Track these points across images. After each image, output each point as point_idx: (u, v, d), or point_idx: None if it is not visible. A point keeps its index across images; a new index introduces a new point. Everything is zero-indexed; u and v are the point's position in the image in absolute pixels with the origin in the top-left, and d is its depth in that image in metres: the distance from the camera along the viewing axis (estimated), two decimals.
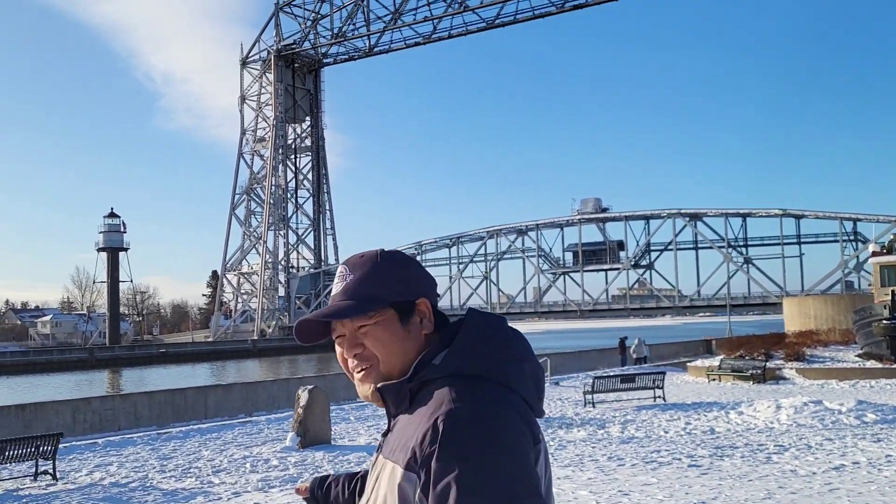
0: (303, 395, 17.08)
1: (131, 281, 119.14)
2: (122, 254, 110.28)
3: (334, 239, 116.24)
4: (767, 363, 27.15)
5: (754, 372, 26.77)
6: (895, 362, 25.47)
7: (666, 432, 17.52)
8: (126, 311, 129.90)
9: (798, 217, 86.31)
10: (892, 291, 25.88)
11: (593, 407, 21.57)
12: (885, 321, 25.32)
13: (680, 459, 13.86)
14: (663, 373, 23.23)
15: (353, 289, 1.74)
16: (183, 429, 19.83)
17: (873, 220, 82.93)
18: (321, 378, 31.40)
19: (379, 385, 1.72)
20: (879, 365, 25.78)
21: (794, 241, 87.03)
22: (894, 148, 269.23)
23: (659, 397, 22.39)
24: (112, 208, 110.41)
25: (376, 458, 1.72)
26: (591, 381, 22.52)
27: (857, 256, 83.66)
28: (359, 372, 1.75)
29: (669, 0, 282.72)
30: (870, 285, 78.18)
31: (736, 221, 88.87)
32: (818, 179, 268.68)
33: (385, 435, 1.74)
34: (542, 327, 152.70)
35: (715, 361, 30.76)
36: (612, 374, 25.91)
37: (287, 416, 22.58)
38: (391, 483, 1.60)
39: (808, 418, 18.36)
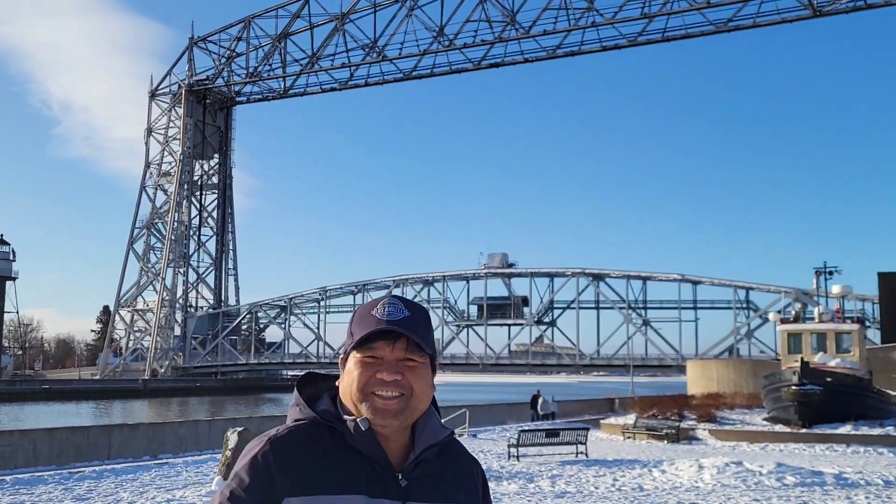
0: (231, 438, 16.45)
1: (17, 312, 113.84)
2: (9, 283, 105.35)
3: (236, 280, 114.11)
4: (681, 423, 27.64)
5: (669, 431, 27.19)
6: (802, 427, 26.27)
7: (596, 488, 17.52)
8: (7, 344, 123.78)
9: (695, 283, 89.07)
10: (801, 358, 26.82)
11: (517, 460, 21.45)
12: (794, 387, 26.14)
13: None
14: (587, 428, 23.36)
15: (414, 325, 1.91)
16: (96, 468, 18.80)
17: (765, 290, 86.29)
18: (247, 420, 30.38)
19: (430, 446, 1.94)
20: (788, 430, 26.55)
21: (691, 305, 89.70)
22: (787, 222, 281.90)
23: (581, 453, 22.44)
24: (1, 235, 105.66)
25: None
26: (517, 434, 22.40)
27: (749, 324, 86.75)
28: (396, 399, 1.88)
29: (582, 64, 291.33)
30: (761, 352, 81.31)
31: (637, 284, 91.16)
32: (715, 247, 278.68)
33: (402, 478, 1.89)
34: (444, 380, 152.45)
35: (624, 420, 31.16)
36: (535, 428, 25.90)
37: (202, 459, 21.72)
38: None
39: (730, 479, 18.65)
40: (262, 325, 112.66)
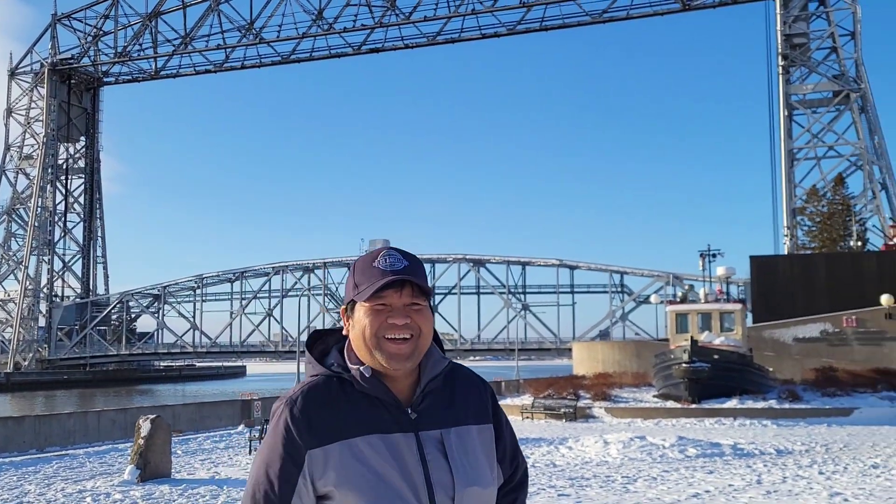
0: (144, 426, 15.86)
1: None
2: None
3: (105, 268, 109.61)
4: (577, 402, 28.36)
5: (566, 410, 27.85)
6: (692, 403, 27.43)
7: None
8: None
9: (573, 268, 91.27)
10: (691, 337, 27.99)
11: None
12: (684, 364, 27.25)
13: (546, 489, 14.11)
14: None
15: (414, 272, 2.11)
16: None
17: (638, 275, 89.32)
18: (122, 412, 29.28)
19: (432, 378, 2.14)
20: (678, 405, 27.66)
21: (569, 290, 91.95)
22: (659, 207, 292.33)
23: None
24: None
25: (413, 437, 2.07)
26: None
27: (623, 307, 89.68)
28: (403, 341, 2.07)
29: (454, 52, 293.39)
30: (636, 334, 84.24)
31: (516, 269, 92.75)
32: (592, 234, 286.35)
33: (411, 412, 2.10)
34: None
35: (521, 401, 31.72)
36: None
37: (103, 449, 20.90)
38: (482, 436, 2.18)
39: (636, 452, 19.30)
40: (133, 315, 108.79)
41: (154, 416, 16.17)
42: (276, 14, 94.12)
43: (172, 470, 16.39)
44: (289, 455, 2.02)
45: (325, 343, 2.25)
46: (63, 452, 20.21)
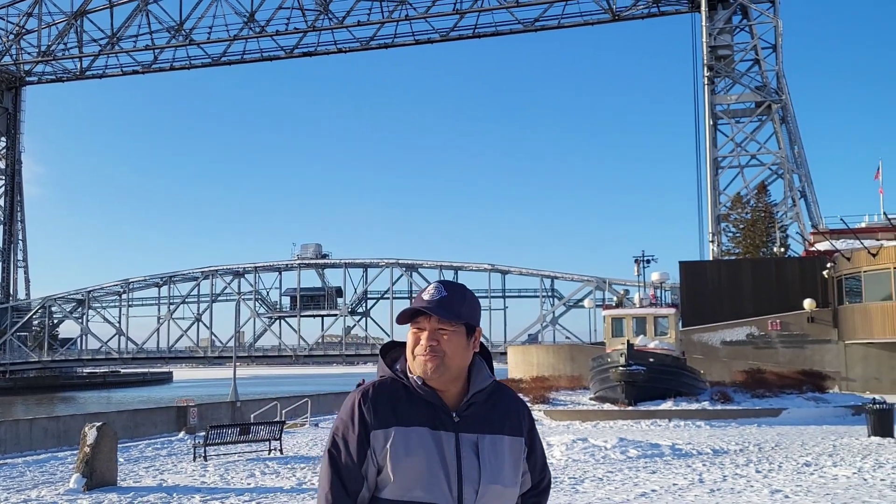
0: (90, 433, 15.64)
1: None
2: None
3: (26, 272, 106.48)
4: None
5: None
6: (629, 405, 28.06)
7: None
8: None
9: (504, 272, 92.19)
10: (628, 341, 28.63)
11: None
12: (621, 367, 27.87)
13: None
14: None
15: (447, 304, 2.62)
16: None
17: (568, 279, 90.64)
18: (54, 420, 28.66)
19: (477, 392, 2.65)
20: (615, 407, 28.26)
21: (500, 294, 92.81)
22: (589, 212, 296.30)
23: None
24: None
25: (453, 436, 2.58)
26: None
27: (554, 311, 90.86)
28: (430, 359, 2.59)
29: (386, 57, 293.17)
30: (567, 338, 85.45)
31: (449, 273, 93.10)
32: (522, 238, 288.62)
33: (456, 416, 2.61)
34: (253, 373, 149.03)
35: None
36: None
37: (42, 458, 20.48)
38: (513, 446, 2.65)
39: (580, 454, 19.73)
40: (56, 320, 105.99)
41: (100, 423, 15.94)
42: (206, 15, 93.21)
43: (118, 478, 16.20)
44: (361, 431, 2.57)
45: (397, 352, 2.78)
46: (1, 462, 19.73)
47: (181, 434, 26.38)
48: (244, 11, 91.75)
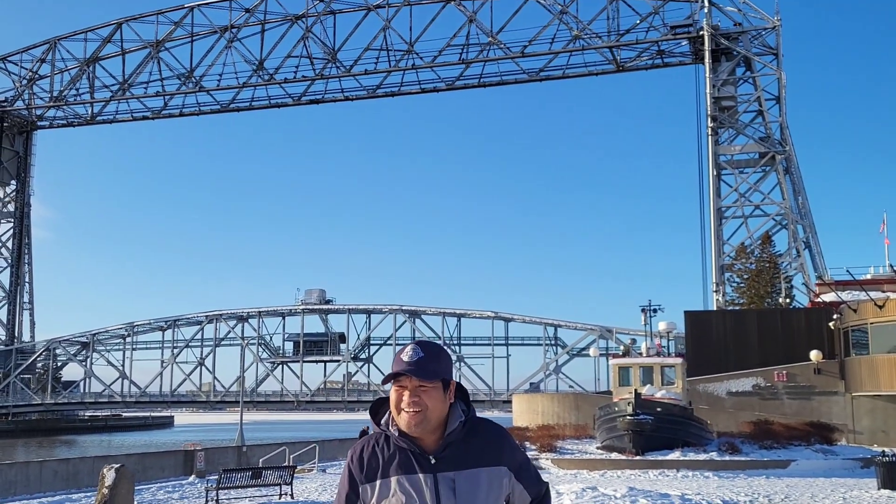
0: (108, 475, 15.78)
1: None
2: None
3: (32, 314, 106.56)
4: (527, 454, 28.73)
5: None
6: (636, 454, 28.08)
7: None
8: None
9: (507, 320, 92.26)
10: (635, 390, 28.73)
11: None
12: (628, 417, 27.94)
13: None
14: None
15: (424, 364, 2.98)
16: None
17: (572, 328, 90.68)
18: (101, 460, 28.71)
19: (448, 434, 2.99)
20: (623, 457, 28.28)
21: (503, 342, 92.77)
22: (591, 261, 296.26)
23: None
24: None
25: (432, 477, 2.94)
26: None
27: (557, 360, 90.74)
28: (413, 413, 2.95)
29: (394, 105, 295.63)
30: (570, 387, 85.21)
31: (452, 320, 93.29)
32: (526, 286, 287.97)
33: (433, 458, 2.96)
34: (255, 419, 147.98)
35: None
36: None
37: (57, 500, 20.57)
38: (490, 476, 2.98)
39: (590, 503, 19.81)
40: (60, 363, 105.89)
41: (119, 465, 16.09)
42: (216, 63, 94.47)
43: None
44: (351, 488, 3.02)
45: (385, 408, 3.15)
46: (20, 502, 19.82)
47: (191, 478, 26.42)
48: (253, 60, 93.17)
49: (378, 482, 2.96)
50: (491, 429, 3.12)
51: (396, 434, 3.00)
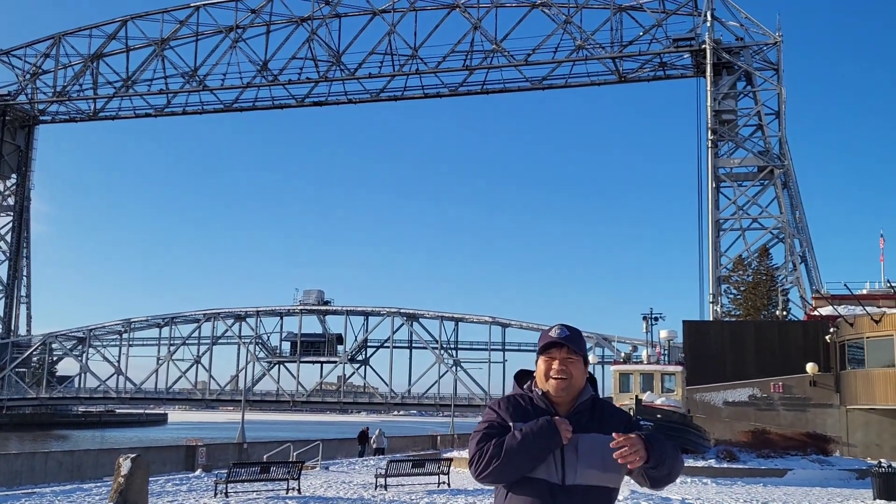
0: (124, 464, 16.14)
1: None
2: None
3: (28, 308, 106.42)
4: None
5: None
6: None
7: None
8: None
9: (505, 325, 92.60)
10: (636, 396, 29.14)
11: (385, 490, 22.06)
12: None
13: None
14: (451, 460, 24.27)
15: (573, 339, 3.62)
16: None
17: None
18: (30, 455, 29.00)
19: (581, 402, 3.61)
20: None
21: (500, 347, 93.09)
22: (589, 269, 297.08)
23: (444, 483, 23.33)
24: None
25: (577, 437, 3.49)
26: (386, 464, 23.04)
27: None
28: (561, 379, 3.56)
29: (397, 108, 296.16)
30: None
31: (449, 325, 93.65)
32: (524, 292, 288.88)
33: (573, 422, 3.51)
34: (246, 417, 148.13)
35: (453, 454, 32.30)
36: (402, 458, 26.55)
37: (68, 489, 20.91)
38: (608, 443, 3.37)
39: None
40: (55, 357, 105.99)
41: (134, 455, 16.45)
42: (220, 62, 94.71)
43: None
44: (500, 420, 3.56)
45: (528, 377, 3.80)
46: (31, 491, 20.15)
47: (198, 472, 26.75)
48: (258, 60, 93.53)
49: (520, 423, 3.50)
50: (614, 408, 3.79)
51: (540, 395, 3.61)
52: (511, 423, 3.50)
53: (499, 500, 3.56)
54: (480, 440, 3.51)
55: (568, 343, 3.57)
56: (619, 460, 3.37)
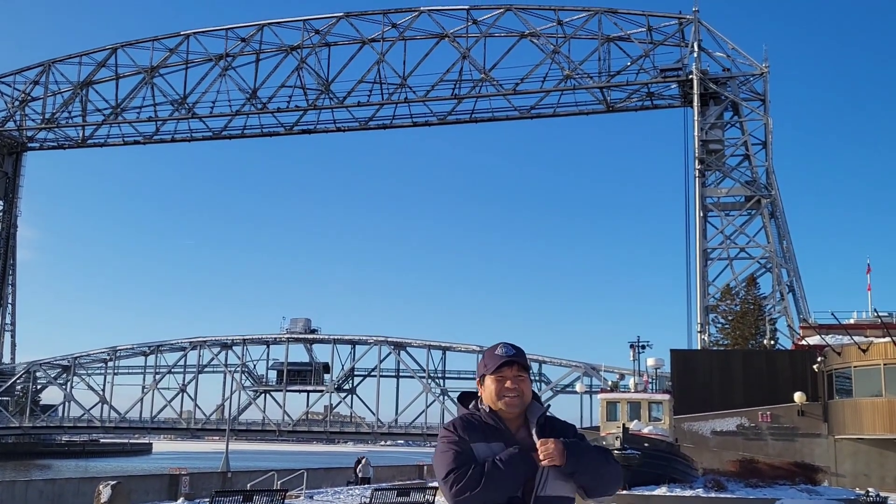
0: (104, 491, 15.92)
1: None
2: None
3: (13, 335, 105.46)
4: None
5: None
6: (623, 489, 28.19)
7: None
8: None
9: None
10: (623, 425, 28.93)
11: None
12: (616, 451, 28.07)
13: None
14: (436, 487, 24.00)
15: (523, 357, 3.83)
16: None
17: (556, 364, 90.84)
18: (87, 482, 28.56)
19: (541, 415, 3.80)
20: None
21: None
22: (575, 297, 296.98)
23: None
24: None
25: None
26: (370, 492, 22.77)
27: (541, 396, 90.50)
28: (514, 397, 3.74)
29: (392, 136, 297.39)
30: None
31: (437, 353, 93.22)
32: (510, 321, 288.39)
33: (524, 433, 3.74)
34: (231, 447, 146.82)
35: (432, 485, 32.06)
36: (388, 487, 26.24)
37: None
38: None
39: None
40: (39, 386, 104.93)
41: (115, 482, 16.19)
42: (210, 90, 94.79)
43: None
44: (461, 440, 3.66)
45: (471, 398, 3.99)
46: None
47: (180, 500, 26.34)
48: (247, 88, 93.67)
49: (479, 444, 3.66)
50: (563, 422, 3.93)
51: (489, 411, 3.79)
52: (470, 443, 3.66)
53: None
54: (455, 460, 3.59)
55: (518, 360, 3.78)
56: (541, 462, 3.60)
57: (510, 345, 3.85)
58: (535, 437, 3.69)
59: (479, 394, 3.94)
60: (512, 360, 3.76)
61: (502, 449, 3.64)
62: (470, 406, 3.91)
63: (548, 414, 3.89)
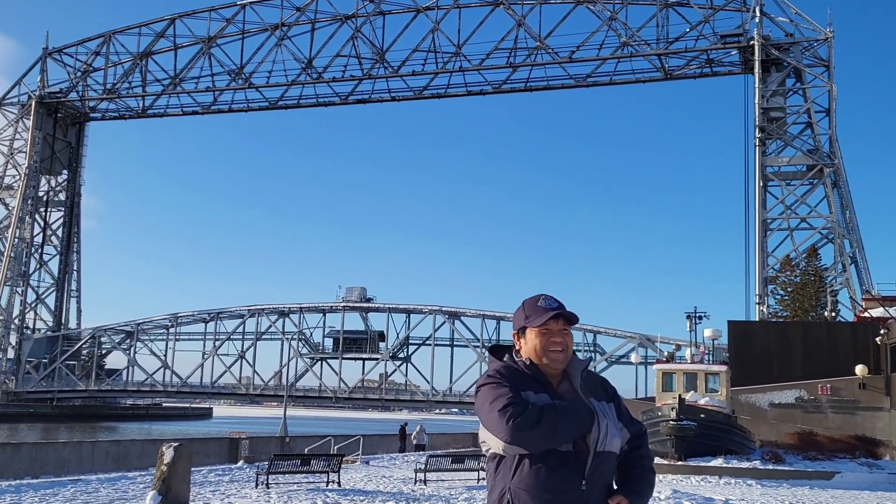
0: (167, 453, 16.25)
1: None
2: None
3: (79, 302, 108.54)
4: None
5: None
6: (678, 460, 28.11)
7: None
8: None
9: None
10: (679, 395, 28.76)
11: (425, 484, 22.03)
12: (672, 422, 27.97)
13: None
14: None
15: (567, 314, 3.56)
16: (12, 483, 18.08)
17: (611, 335, 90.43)
18: (150, 444, 29.43)
19: (584, 370, 3.60)
20: (665, 462, 28.29)
21: None
22: (633, 271, 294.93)
23: (483, 478, 23.22)
24: None
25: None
26: (425, 459, 23.01)
27: (595, 366, 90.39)
28: (560, 351, 3.51)
29: (440, 106, 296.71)
30: None
31: (491, 323, 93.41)
32: (566, 291, 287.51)
33: (566, 386, 3.54)
34: (289, 413, 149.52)
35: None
36: (442, 454, 26.55)
37: (113, 477, 21.19)
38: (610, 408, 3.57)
39: None
40: (104, 351, 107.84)
41: (177, 443, 16.57)
42: (266, 60, 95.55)
43: (189, 499, 16.78)
44: (512, 386, 3.41)
45: (503, 351, 3.72)
46: (78, 478, 20.46)
47: (240, 463, 26.99)
48: (303, 58, 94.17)
49: (527, 392, 3.44)
50: (600, 377, 3.77)
51: (529, 363, 3.54)
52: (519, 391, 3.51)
53: (504, 470, 3.41)
54: (511, 398, 3.35)
55: (564, 313, 3.55)
56: None
57: (552, 297, 3.59)
58: (579, 392, 3.51)
59: (515, 347, 3.65)
60: (559, 314, 3.52)
61: (548, 401, 3.42)
62: (504, 358, 3.64)
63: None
